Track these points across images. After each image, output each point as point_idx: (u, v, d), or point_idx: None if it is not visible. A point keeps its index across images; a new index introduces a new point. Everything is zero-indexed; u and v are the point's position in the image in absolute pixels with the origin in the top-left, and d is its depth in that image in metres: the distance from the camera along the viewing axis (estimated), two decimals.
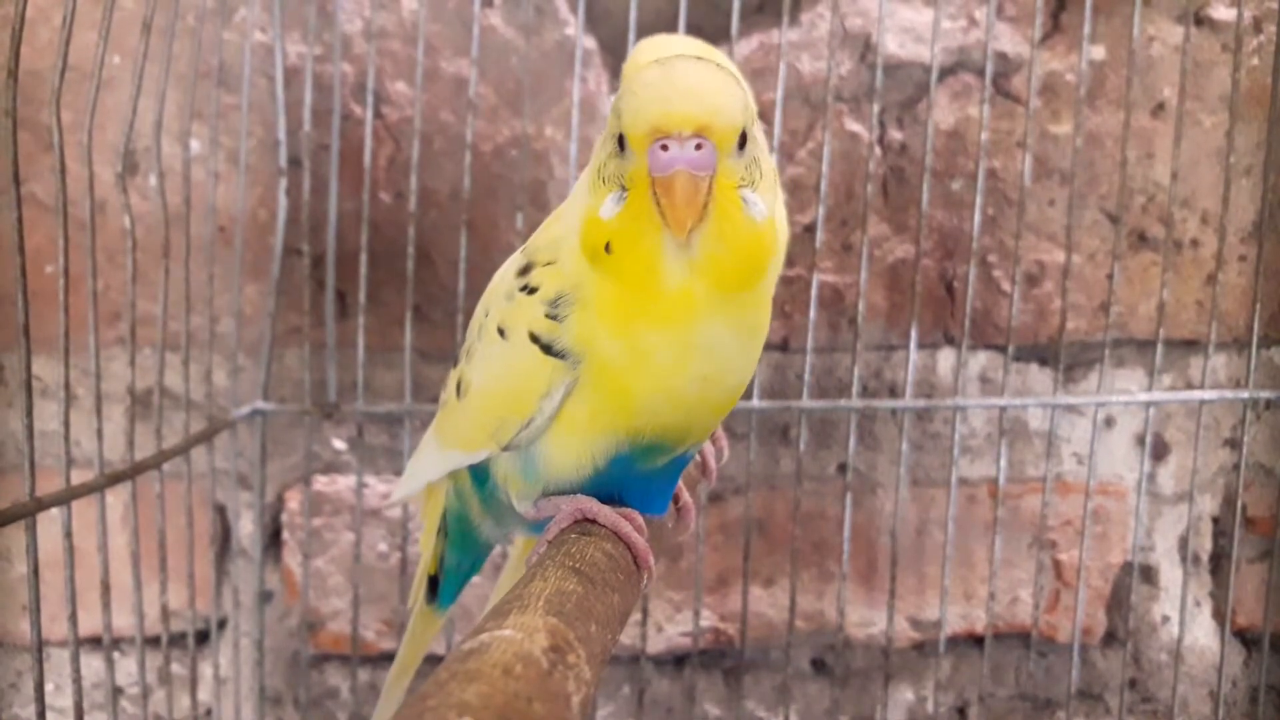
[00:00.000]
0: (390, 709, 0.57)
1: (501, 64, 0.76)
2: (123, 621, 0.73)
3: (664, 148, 0.36)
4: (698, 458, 0.55)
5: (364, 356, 0.74)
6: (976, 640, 0.82)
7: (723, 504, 0.80)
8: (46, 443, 0.72)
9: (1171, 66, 0.79)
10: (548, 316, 0.41)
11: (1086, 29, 0.75)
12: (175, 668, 0.75)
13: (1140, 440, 0.81)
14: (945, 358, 0.80)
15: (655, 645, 0.81)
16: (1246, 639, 0.83)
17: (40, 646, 0.45)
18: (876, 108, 0.76)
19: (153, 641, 0.73)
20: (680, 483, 0.48)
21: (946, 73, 0.79)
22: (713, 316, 0.39)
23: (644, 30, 0.71)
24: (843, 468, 0.80)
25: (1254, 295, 0.76)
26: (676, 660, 0.81)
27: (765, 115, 0.74)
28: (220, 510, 0.77)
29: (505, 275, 0.45)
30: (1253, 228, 0.80)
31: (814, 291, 0.76)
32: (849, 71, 0.78)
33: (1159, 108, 0.79)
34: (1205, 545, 0.83)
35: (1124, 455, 0.81)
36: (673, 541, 0.62)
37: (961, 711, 0.83)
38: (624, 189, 0.38)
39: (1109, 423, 0.81)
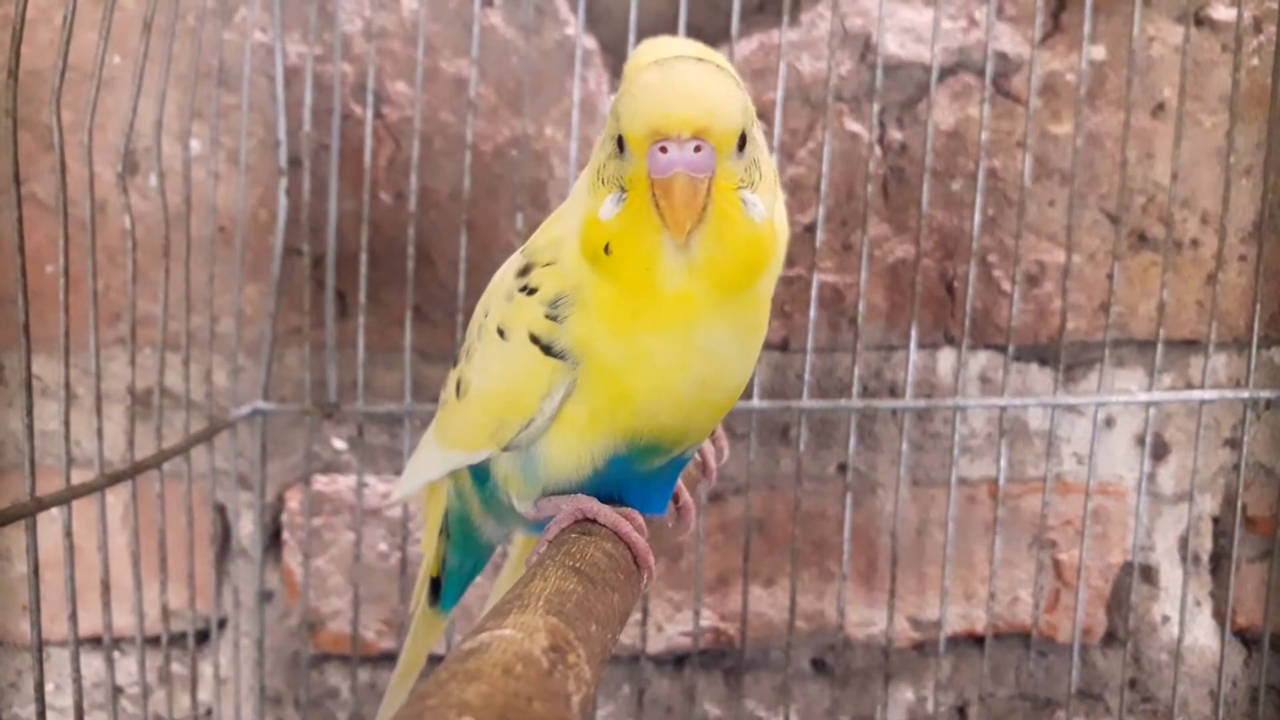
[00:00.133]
0: (393, 712, 0.57)
1: (501, 64, 0.76)
2: (123, 621, 0.73)
3: (663, 150, 0.36)
4: (698, 457, 0.55)
5: (364, 356, 0.74)
6: (977, 640, 0.82)
7: (723, 504, 0.80)
8: (46, 442, 0.72)
9: (1171, 66, 0.79)
10: (547, 317, 0.41)
11: (1086, 29, 0.75)
12: (175, 668, 0.75)
13: (1140, 440, 0.81)
14: (945, 358, 0.80)
15: (655, 645, 0.81)
16: (1246, 639, 0.83)
17: (40, 646, 0.45)
18: (876, 108, 0.76)
19: (153, 641, 0.73)
20: (680, 482, 0.48)
21: (946, 73, 0.79)
22: (712, 318, 0.39)
23: (644, 30, 0.71)
24: (843, 468, 0.80)
25: (1254, 295, 0.76)
26: (676, 660, 0.81)
27: (765, 115, 0.74)
28: (220, 510, 0.77)
29: (505, 276, 0.45)
30: (1253, 228, 0.80)
31: (814, 291, 0.76)
32: (849, 71, 0.78)
33: (1159, 108, 0.79)
34: (1205, 545, 0.83)
35: (1124, 455, 0.81)
36: (673, 541, 0.62)
37: (961, 711, 0.83)
38: (623, 190, 0.38)
39: (1109, 423, 0.81)
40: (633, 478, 0.43)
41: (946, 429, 0.80)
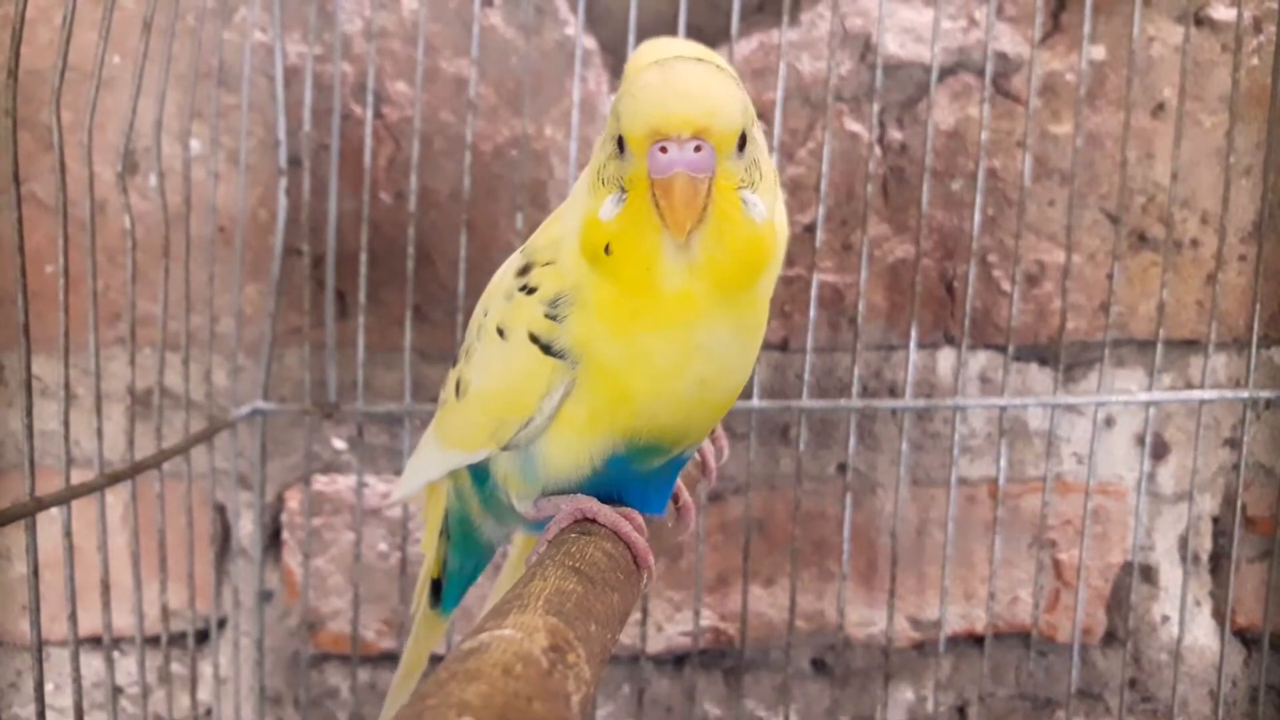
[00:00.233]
0: (394, 713, 0.57)
1: (501, 64, 0.76)
2: (123, 621, 0.73)
3: (663, 150, 0.36)
4: (697, 457, 0.55)
5: (364, 356, 0.74)
6: (976, 640, 0.82)
7: (723, 504, 0.80)
8: (46, 442, 0.72)
9: (1171, 66, 0.79)
10: (547, 317, 0.41)
11: (1086, 29, 0.75)
12: (175, 667, 0.75)
13: (1140, 440, 0.81)
14: (945, 357, 0.80)
15: (655, 645, 0.81)
16: (1246, 639, 0.83)
17: (40, 646, 0.45)
18: (876, 108, 0.76)
19: (153, 641, 0.73)
20: (680, 482, 0.48)
21: (946, 73, 0.79)
22: (712, 318, 0.39)
23: (644, 30, 0.71)
24: (843, 468, 0.80)
25: (1254, 295, 0.76)
26: (676, 660, 0.81)
27: (765, 115, 0.74)
28: (220, 510, 0.77)
29: (505, 275, 0.45)
30: (1253, 228, 0.80)
31: (814, 291, 0.76)
32: (849, 71, 0.78)
33: (1159, 108, 0.79)
34: (1205, 545, 0.83)
35: (1124, 455, 0.81)
36: (673, 541, 0.62)
37: (961, 711, 0.83)
38: (623, 190, 0.38)
39: (1109, 423, 0.81)
40: (632, 477, 0.43)
41: (946, 429, 0.80)
